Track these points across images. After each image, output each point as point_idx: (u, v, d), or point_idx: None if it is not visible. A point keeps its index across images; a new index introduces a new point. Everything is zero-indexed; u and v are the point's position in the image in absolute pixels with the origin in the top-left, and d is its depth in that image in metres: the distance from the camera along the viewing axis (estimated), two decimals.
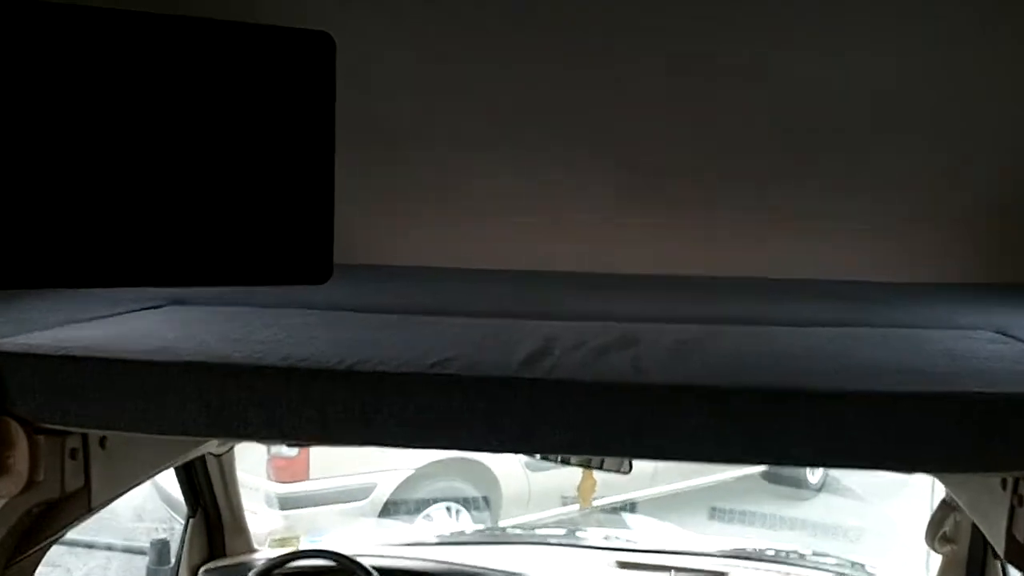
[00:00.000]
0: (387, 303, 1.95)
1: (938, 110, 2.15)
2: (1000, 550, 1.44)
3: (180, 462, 1.90)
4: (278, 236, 1.27)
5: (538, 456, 2.62)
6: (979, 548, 2.46)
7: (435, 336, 1.58)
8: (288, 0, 2.06)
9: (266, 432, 1.39)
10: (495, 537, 3.31)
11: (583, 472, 2.97)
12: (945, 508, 2.39)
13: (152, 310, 1.75)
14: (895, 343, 1.62)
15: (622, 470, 2.61)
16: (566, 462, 2.58)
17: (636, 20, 2.21)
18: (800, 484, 7.56)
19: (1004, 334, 1.68)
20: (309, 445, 2.70)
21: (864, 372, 1.38)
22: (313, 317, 1.74)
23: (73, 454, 1.44)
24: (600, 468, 2.62)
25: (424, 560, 2.76)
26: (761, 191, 2.28)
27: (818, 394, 1.28)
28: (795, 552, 3.06)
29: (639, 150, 2.29)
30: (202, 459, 2.60)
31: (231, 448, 2.61)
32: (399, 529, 5.58)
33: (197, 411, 1.35)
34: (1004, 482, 1.40)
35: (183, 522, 2.79)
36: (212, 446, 2.26)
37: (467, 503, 5.72)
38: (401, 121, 2.27)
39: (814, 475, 7.65)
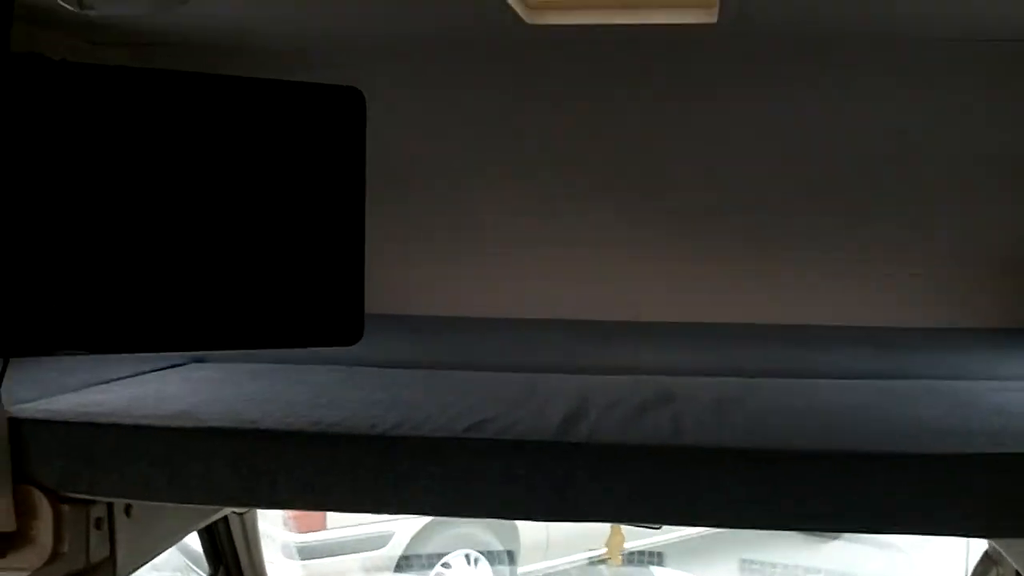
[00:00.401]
0: (412, 357, 1.90)
1: (984, 155, 2.11)
2: None
3: (205, 524, 1.85)
4: (309, 296, 1.24)
5: None
6: None
7: (465, 395, 1.53)
8: (298, 51, 2.06)
9: (297, 499, 1.35)
10: None
11: (611, 527, 2.91)
12: (987, 562, 2.32)
13: (174, 368, 1.72)
14: (942, 399, 1.57)
15: (652, 524, 2.55)
16: None
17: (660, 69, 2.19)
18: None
19: None
20: (341, 511, 2.64)
21: (917, 432, 1.33)
22: (340, 374, 1.70)
23: (98, 524, 1.40)
24: (630, 522, 2.56)
25: None
26: (786, 232, 2.24)
27: (871, 457, 1.23)
28: None
29: (665, 193, 2.26)
30: (225, 519, 2.54)
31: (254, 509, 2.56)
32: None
33: (226, 478, 1.31)
34: None
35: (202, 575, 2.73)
36: (234, 508, 2.21)
37: (488, 554, 5.61)
38: (415, 167, 2.25)
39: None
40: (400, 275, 2.21)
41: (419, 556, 5.48)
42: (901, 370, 1.78)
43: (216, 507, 1.81)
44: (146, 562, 1.56)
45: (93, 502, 1.38)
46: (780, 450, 1.27)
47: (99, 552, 1.41)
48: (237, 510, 2.46)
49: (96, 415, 1.35)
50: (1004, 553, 1.59)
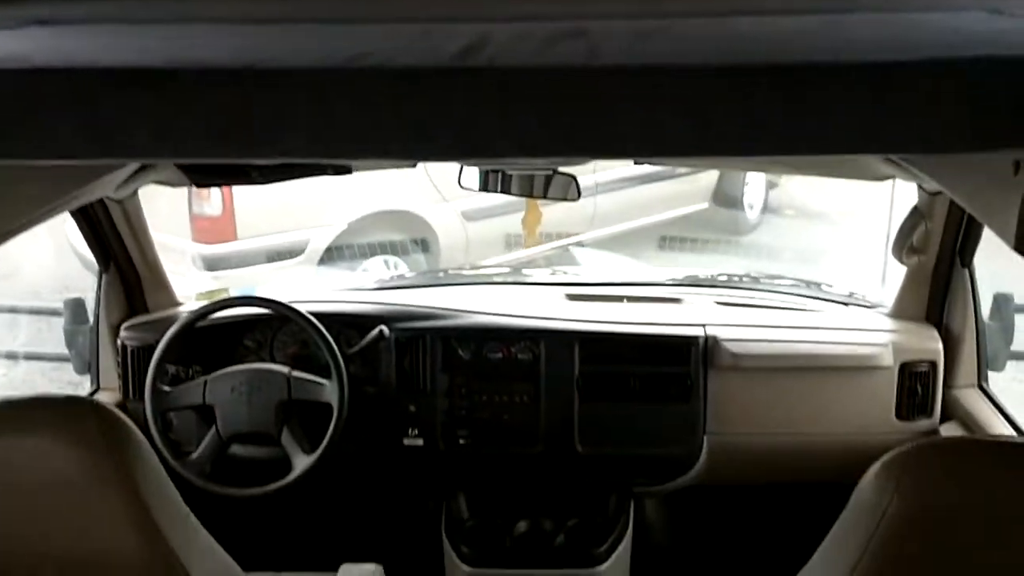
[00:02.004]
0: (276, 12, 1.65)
1: None
2: (1010, 242, 1.28)
3: (73, 202, 1.64)
4: None
5: (476, 187, 2.40)
6: (946, 258, 2.36)
7: (347, 36, 1.30)
8: None
9: (151, 147, 1.13)
10: (437, 280, 3.12)
11: (527, 204, 2.78)
12: (915, 216, 2.27)
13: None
14: (885, 24, 1.39)
15: (569, 196, 2.41)
16: (507, 191, 2.38)
17: None
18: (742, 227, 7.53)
19: (999, 12, 1.45)
20: (203, 158, 2.40)
21: (860, 47, 1.15)
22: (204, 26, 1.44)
23: None
24: (545, 196, 2.42)
25: (363, 303, 2.58)
26: None
27: (814, 68, 1.05)
28: (748, 276, 2.95)
29: None
30: (104, 207, 2.34)
31: (134, 193, 2.35)
32: (339, 277, 5.40)
33: (68, 133, 1.09)
34: (1017, 166, 1.22)
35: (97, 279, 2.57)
36: (109, 188, 2.00)
37: (404, 250, 5.50)
38: None
39: (752, 209, 7.61)
40: None
41: (350, 246, 5.34)
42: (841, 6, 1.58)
43: (77, 175, 1.59)
44: (6, 237, 1.37)
45: None
46: (712, 66, 1.07)
47: None
48: (113, 195, 2.25)
49: None
50: (946, 186, 1.47)
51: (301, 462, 2.26)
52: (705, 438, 2.40)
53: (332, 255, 5.34)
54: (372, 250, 5.34)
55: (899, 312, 2.51)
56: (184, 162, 1.90)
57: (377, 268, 5.24)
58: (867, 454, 2.36)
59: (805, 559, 1.36)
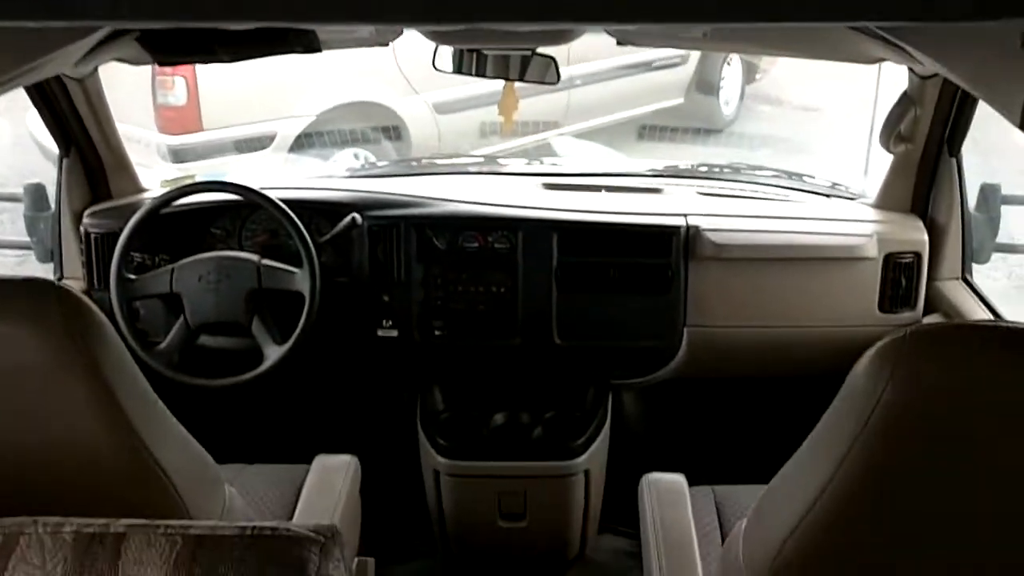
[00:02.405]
0: None
1: None
2: (1015, 119, 1.22)
3: (29, 75, 1.53)
4: None
5: (450, 69, 2.30)
6: (934, 147, 2.31)
7: None
8: None
9: (109, 9, 1.03)
10: (411, 168, 3.03)
11: (504, 89, 2.68)
12: (905, 103, 2.21)
13: None
14: None
15: (547, 79, 2.32)
16: (482, 73, 2.28)
17: None
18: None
19: None
20: (175, 60, 2.27)
21: None
22: None
23: None
24: (522, 78, 2.33)
25: (335, 190, 2.49)
26: None
27: None
28: (729, 167, 2.88)
29: None
30: (62, 86, 2.23)
31: (94, 71, 2.23)
32: (310, 166, 5.28)
33: None
34: None
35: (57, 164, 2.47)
36: (66, 63, 1.89)
37: (375, 140, 5.36)
38: None
39: (728, 105, 7.50)
40: None
41: (321, 134, 5.21)
42: None
43: (29, 51, 1.48)
44: None
45: None
46: None
47: None
48: (71, 73, 2.14)
49: None
50: (944, 67, 1.40)
51: (273, 353, 2.21)
52: (685, 330, 2.37)
53: (302, 144, 5.21)
54: (343, 139, 5.22)
55: (884, 202, 2.47)
56: (141, 26, 1.79)
57: (347, 161, 5.11)
58: (849, 347, 2.35)
59: (786, 451, 1.33)
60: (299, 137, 5.22)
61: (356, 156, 5.22)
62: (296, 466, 2.13)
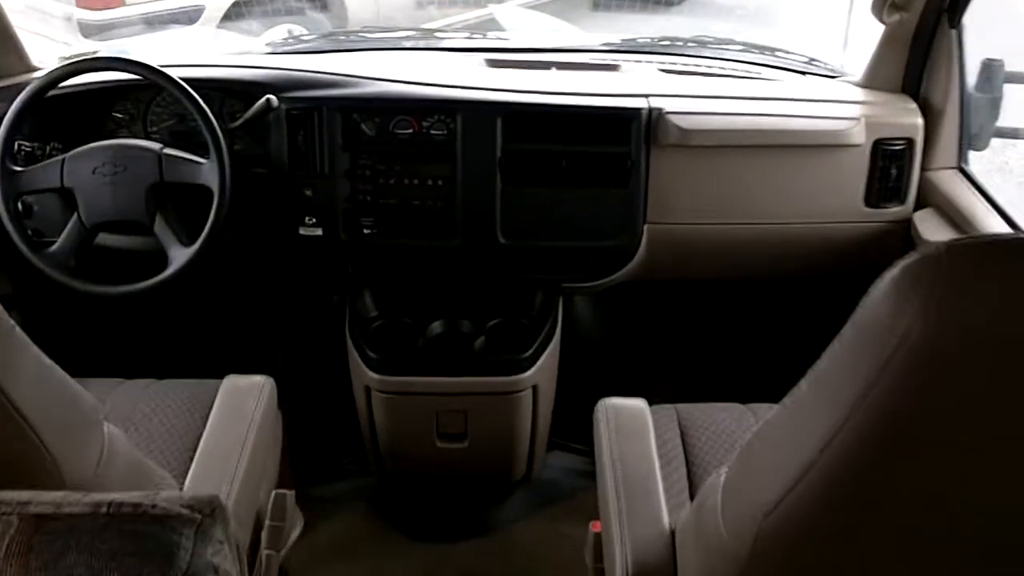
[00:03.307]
0: None
1: None
2: None
3: None
4: None
5: None
6: (932, 16, 2.07)
7: None
8: None
9: None
10: (338, 43, 2.70)
11: None
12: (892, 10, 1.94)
13: None
14: None
15: None
16: None
17: None
18: None
19: None
20: None
21: None
22: None
23: None
24: None
25: (249, 67, 2.20)
26: None
27: None
28: (695, 40, 2.59)
29: None
30: None
31: None
32: (234, 43, 4.93)
33: None
34: None
35: None
36: None
37: (310, 11, 5.00)
38: None
39: None
40: None
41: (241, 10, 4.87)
42: None
43: None
44: None
45: None
46: None
47: None
48: None
49: None
50: None
51: (179, 255, 1.99)
52: (645, 227, 2.14)
53: (231, 17, 4.84)
54: (276, 11, 4.86)
55: (872, 81, 2.23)
56: None
57: (278, 36, 4.75)
58: (831, 246, 2.11)
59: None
60: (229, 10, 4.86)
61: (290, 32, 4.86)
62: (204, 381, 1.92)
